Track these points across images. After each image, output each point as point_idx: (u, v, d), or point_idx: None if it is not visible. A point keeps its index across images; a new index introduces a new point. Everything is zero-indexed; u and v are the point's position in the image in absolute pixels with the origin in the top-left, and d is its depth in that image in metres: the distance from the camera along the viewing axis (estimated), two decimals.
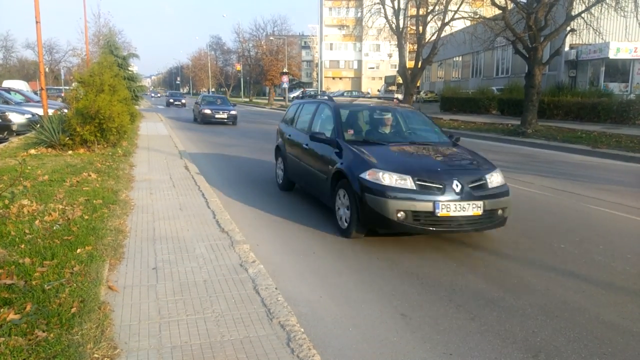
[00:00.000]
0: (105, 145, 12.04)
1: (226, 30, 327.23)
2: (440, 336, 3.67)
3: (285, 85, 54.66)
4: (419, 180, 5.39)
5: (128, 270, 4.51)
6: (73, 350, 2.97)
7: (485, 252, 5.55)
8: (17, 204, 6.06)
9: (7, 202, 5.93)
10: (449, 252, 5.55)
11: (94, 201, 6.62)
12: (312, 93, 64.54)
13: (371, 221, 5.59)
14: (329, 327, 3.78)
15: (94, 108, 11.04)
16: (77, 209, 6.10)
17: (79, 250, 4.61)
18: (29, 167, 8.84)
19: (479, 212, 5.38)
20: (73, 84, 13.88)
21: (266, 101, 64.64)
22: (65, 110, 12.64)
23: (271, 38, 69.46)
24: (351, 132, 6.79)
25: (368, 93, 67.97)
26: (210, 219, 6.34)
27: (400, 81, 33.71)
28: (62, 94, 24.78)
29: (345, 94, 61.89)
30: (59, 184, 7.65)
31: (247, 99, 72.84)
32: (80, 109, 11.24)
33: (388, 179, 5.42)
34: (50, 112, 13.98)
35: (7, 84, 38.00)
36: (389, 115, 7.29)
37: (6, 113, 14.43)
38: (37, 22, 13.38)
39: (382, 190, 5.37)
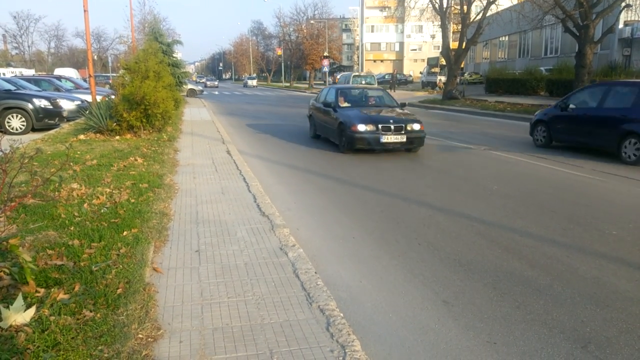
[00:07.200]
0: (150, 131, 12.32)
1: (267, 15, 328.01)
2: (483, 324, 3.58)
3: (326, 69, 54.29)
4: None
5: (172, 253, 4.61)
6: (118, 330, 3.05)
7: (532, 238, 5.38)
8: (67, 187, 6.28)
9: (56, 185, 6.15)
10: (493, 237, 5.40)
11: (140, 185, 6.79)
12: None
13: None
14: (368, 312, 3.75)
15: (139, 94, 11.29)
16: (123, 192, 6.28)
17: (125, 233, 4.74)
18: (78, 152, 9.16)
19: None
20: (120, 71, 14.24)
21: (306, 85, 64.61)
22: (113, 97, 12.99)
23: (312, 22, 69.23)
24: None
25: (410, 76, 66.76)
26: (251, 203, 6.40)
27: (444, 63, 32.95)
28: (110, 81, 25.49)
29: (386, 77, 61.14)
30: (106, 168, 7.89)
31: (288, 84, 72.99)
32: (126, 95, 11.52)
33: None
34: (99, 98, 14.43)
35: (58, 71, 39.66)
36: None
37: (57, 100, 14.93)
38: (85, 11, 13.73)
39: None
